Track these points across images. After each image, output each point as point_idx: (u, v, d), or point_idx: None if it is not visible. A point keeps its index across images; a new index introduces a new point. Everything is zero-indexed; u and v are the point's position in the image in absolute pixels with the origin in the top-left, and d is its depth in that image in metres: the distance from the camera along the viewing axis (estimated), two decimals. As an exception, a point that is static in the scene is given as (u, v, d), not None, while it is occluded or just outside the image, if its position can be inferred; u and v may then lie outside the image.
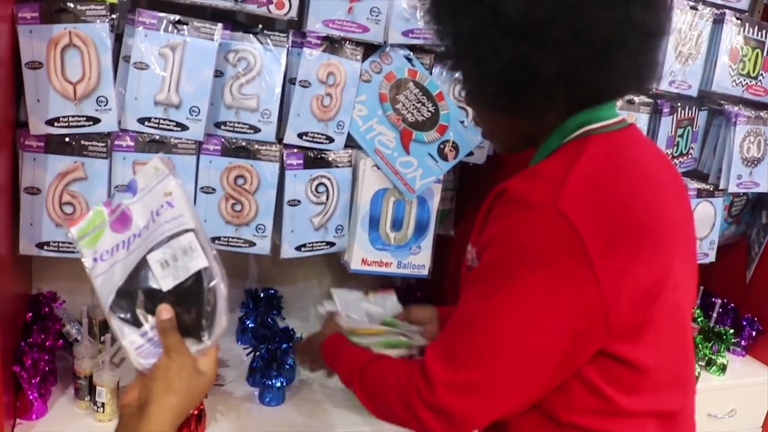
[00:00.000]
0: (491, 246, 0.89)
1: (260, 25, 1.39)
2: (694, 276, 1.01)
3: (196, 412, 1.32)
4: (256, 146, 1.42)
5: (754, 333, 2.05)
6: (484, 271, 0.90)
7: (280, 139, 1.45)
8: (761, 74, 1.87)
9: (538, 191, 0.86)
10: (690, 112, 1.86)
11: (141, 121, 1.33)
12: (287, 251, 1.52)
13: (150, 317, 0.78)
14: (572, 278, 0.84)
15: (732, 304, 2.11)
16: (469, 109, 1.57)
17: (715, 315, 2.01)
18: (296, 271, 1.90)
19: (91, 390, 1.34)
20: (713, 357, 1.93)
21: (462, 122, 1.57)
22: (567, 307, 0.84)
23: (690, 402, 1.03)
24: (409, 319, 1.39)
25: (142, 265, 0.78)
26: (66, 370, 1.43)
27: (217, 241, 1.43)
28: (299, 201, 1.49)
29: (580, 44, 0.85)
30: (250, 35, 1.39)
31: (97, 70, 1.27)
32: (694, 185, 1.88)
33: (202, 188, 1.41)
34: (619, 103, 1.63)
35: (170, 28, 1.31)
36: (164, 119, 1.34)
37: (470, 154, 1.60)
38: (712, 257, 1.96)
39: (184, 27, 1.31)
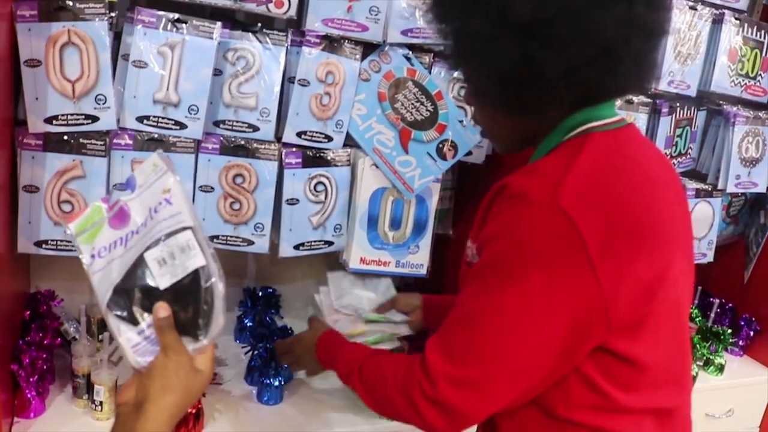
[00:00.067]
0: (492, 242, 0.90)
1: (259, 24, 1.39)
2: (691, 274, 1.02)
3: (194, 411, 1.32)
4: (255, 145, 1.42)
5: (751, 333, 2.06)
6: (485, 267, 0.90)
7: (278, 137, 1.45)
8: (760, 74, 1.88)
9: (539, 187, 0.87)
10: (689, 112, 1.86)
11: (140, 119, 1.33)
12: (286, 250, 1.52)
13: (147, 315, 0.78)
14: (572, 274, 0.84)
15: (730, 304, 2.11)
16: (468, 109, 1.57)
17: (713, 315, 2.02)
18: (295, 270, 1.90)
19: (90, 388, 1.34)
20: (711, 357, 1.93)
21: (461, 121, 1.57)
22: (567, 303, 0.85)
23: (687, 400, 1.04)
24: (396, 308, 1.39)
25: (140, 262, 0.78)
26: (64, 368, 1.43)
27: (215, 240, 1.43)
28: (298, 200, 1.49)
29: (587, 43, 0.85)
30: (249, 34, 1.39)
31: (95, 69, 1.26)
32: (692, 185, 1.88)
33: (200, 187, 1.41)
34: (618, 102, 1.63)
35: (169, 27, 1.31)
36: (163, 118, 1.34)
37: (469, 153, 1.61)
38: (710, 257, 1.96)
39: (183, 25, 1.31)
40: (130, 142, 1.33)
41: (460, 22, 0.92)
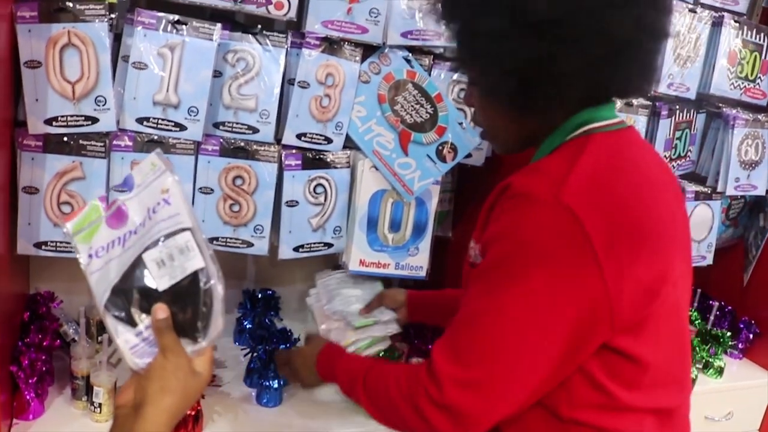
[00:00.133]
0: (495, 242, 0.90)
1: (259, 26, 1.39)
2: (690, 277, 1.02)
3: (193, 413, 1.32)
4: (255, 147, 1.42)
5: (751, 336, 2.05)
6: (489, 267, 0.90)
7: (278, 139, 1.45)
8: (759, 77, 1.88)
9: (542, 187, 0.87)
10: (688, 114, 1.86)
11: (139, 120, 1.33)
12: (285, 252, 1.52)
13: (145, 316, 0.78)
14: (577, 272, 0.84)
15: (729, 307, 2.11)
16: (468, 111, 1.57)
17: (712, 318, 2.02)
18: (294, 272, 1.89)
19: (88, 390, 1.34)
20: (710, 360, 1.93)
21: (460, 124, 1.57)
22: (571, 301, 0.85)
23: (686, 401, 1.04)
24: (383, 304, 1.40)
25: (138, 263, 0.78)
26: (63, 370, 1.43)
27: (215, 242, 1.43)
28: (297, 202, 1.49)
29: (601, 42, 0.86)
30: (249, 36, 1.39)
31: (95, 70, 1.26)
32: (692, 188, 1.88)
33: (200, 188, 1.41)
34: (618, 105, 1.63)
35: (169, 28, 1.31)
36: (163, 119, 1.34)
37: (469, 155, 1.61)
38: (709, 260, 1.96)
39: (183, 27, 1.31)
40: (130, 143, 1.33)
41: (471, 20, 0.92)
